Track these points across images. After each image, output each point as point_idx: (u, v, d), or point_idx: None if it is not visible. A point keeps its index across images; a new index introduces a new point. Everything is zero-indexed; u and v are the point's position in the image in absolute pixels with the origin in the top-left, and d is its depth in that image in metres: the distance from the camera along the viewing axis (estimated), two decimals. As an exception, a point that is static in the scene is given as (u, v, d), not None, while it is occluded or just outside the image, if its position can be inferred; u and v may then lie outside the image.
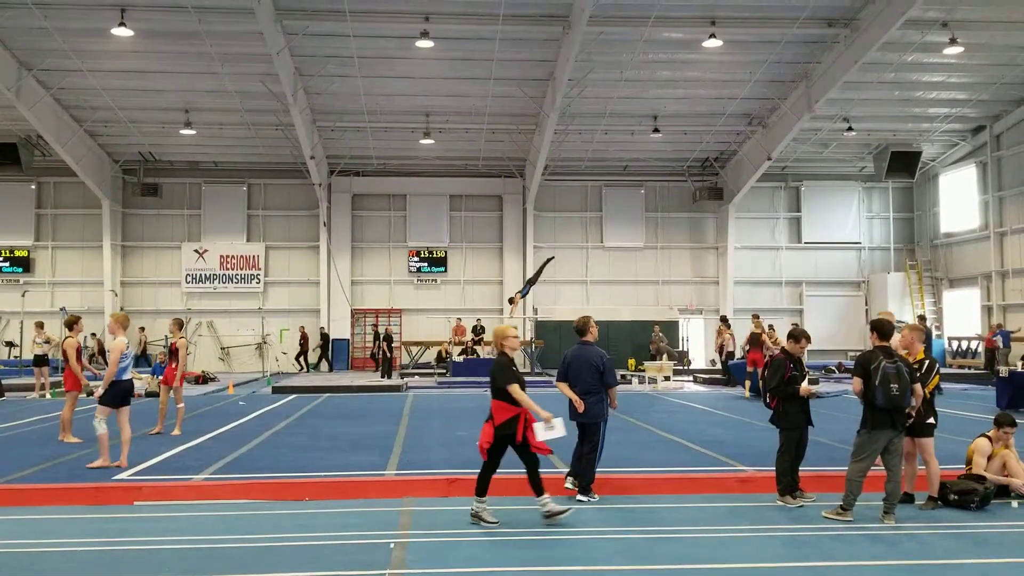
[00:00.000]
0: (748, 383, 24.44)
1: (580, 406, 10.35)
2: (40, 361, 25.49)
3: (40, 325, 27.03)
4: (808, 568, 7.72)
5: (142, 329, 36.61)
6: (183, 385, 16.57)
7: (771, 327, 26.78)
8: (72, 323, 15.43)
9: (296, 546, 8.41)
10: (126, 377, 12.43)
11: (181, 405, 16.24)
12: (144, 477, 11.47)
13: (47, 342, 26.18)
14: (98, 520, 9.64)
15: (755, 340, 24.28)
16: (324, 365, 38.10)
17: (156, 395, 20.66)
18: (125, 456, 12.29)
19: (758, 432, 16.08)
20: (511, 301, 30.48)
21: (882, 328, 9.63)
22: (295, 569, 7.67)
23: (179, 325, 16.61)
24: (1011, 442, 10.56)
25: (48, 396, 24.82)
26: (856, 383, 9.49)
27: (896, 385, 9.13)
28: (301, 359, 37.44)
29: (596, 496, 10.44)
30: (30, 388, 26.13)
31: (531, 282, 31.13)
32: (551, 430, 9.32)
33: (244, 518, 9.67)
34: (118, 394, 12.36)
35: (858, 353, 9.86)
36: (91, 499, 10.47)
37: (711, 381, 29.71)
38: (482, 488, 9.41)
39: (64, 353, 15.43)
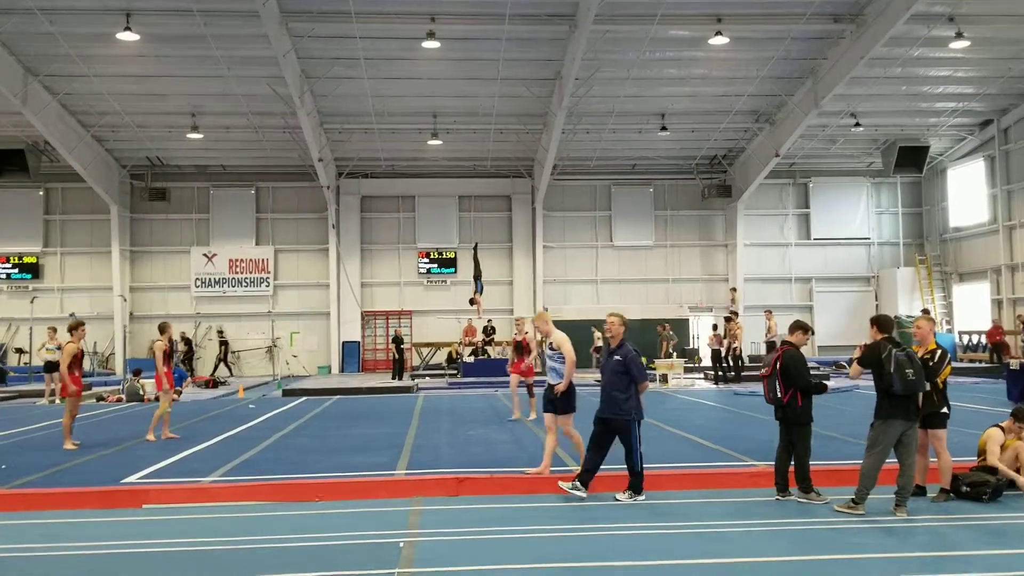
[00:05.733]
0: (533, 401, 17.99)
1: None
2: (51, 367, 25.45)
3: (53, 330, 26.90)
4: (821, 561, 7.68)
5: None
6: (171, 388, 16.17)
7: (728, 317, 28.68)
8: (73, 328, 15.18)
9: (305, 547, 8.38)
10: None
11: (168, 409, 15.95)
12: (153, 480, 11.47)
13: (59, 348, 26.07)
14: (107, 523, 9.61)
15: (519, 348, 18.43)
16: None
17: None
18: None
19: (768, 427, 16.00)
20: (472, 302, 30.76)
21: (881, 322, 9.79)
22: (304, 570, 7.62)
23: (161, 330, 16.28)
24: (1025, 435, 10.49)
25: (58, 402, 24.82)
26: (854, 368, 9.79)
27: (911, 370, 9.16)
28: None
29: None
30: (40, 394, 26.18)
31: (478, 276, 31.40)
32: None
33: (253, 520, 9.64)
34: None
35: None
36: (100, 503, 10.44)
37: (721, 378, 29.47)
38: None
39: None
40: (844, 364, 33.98)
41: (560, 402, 11.23)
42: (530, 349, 18.31)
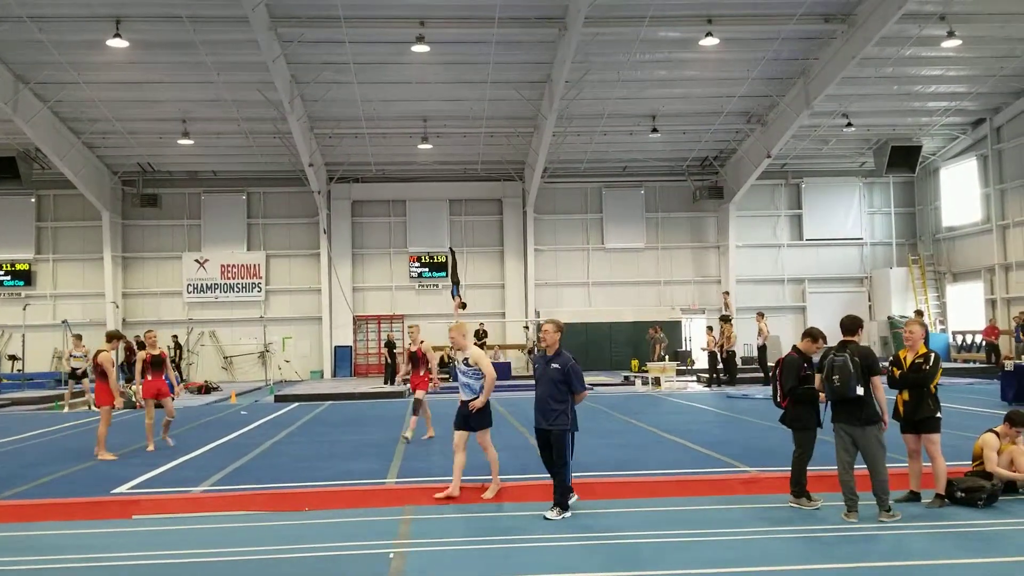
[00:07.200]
0: (414, 420, 15.92)
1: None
2: (75, 375, 25.44)
3: (78, 338, 26.63)
4: (816, 570, 7.62)
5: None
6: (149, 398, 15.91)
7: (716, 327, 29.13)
8: (112, 336, 15.07)
9: (295, 557, 8.32)
10: None
11: (149, 421, 15.62)
12: (142, 490, 11.39)
13: (85, 356, 25.86)
14: (96, 535, 9.54)
15: (414, 359, 16.58)
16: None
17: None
18: None
19: (761, 432, 16.00)
20: (463, 307, 30.60)
21: (841, 324, 9.84)
22: (293, 582, 7.60)
23: (146, 341, 15.95)
24: (1020, 439, 10.42)
25: (66, 409, 24.82)
26: (817, 379, 9.80)
27: (837, 376, 9.23)
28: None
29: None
30: (34, 401, 26.19)
31: (456, 282, 31.23)
32: None
33: (243, 530, 9.58)
34: None
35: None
36: (89, 514, 10.38)
37: (714, 380, 29.37)
38: None
39: (101, 367, 14.52)
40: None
41: (475, 418, 10.75)
42: (427, 360, 16.53)
